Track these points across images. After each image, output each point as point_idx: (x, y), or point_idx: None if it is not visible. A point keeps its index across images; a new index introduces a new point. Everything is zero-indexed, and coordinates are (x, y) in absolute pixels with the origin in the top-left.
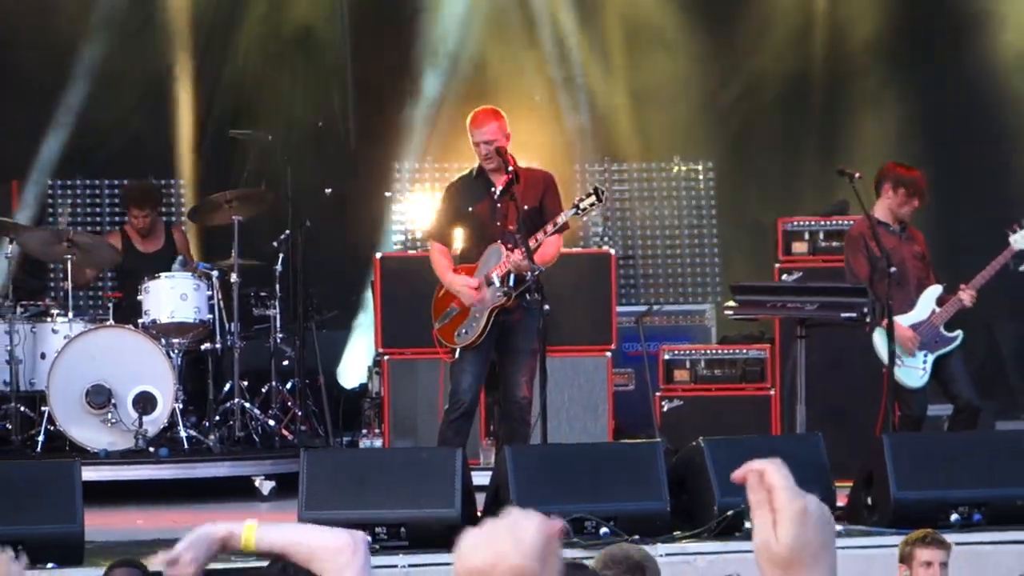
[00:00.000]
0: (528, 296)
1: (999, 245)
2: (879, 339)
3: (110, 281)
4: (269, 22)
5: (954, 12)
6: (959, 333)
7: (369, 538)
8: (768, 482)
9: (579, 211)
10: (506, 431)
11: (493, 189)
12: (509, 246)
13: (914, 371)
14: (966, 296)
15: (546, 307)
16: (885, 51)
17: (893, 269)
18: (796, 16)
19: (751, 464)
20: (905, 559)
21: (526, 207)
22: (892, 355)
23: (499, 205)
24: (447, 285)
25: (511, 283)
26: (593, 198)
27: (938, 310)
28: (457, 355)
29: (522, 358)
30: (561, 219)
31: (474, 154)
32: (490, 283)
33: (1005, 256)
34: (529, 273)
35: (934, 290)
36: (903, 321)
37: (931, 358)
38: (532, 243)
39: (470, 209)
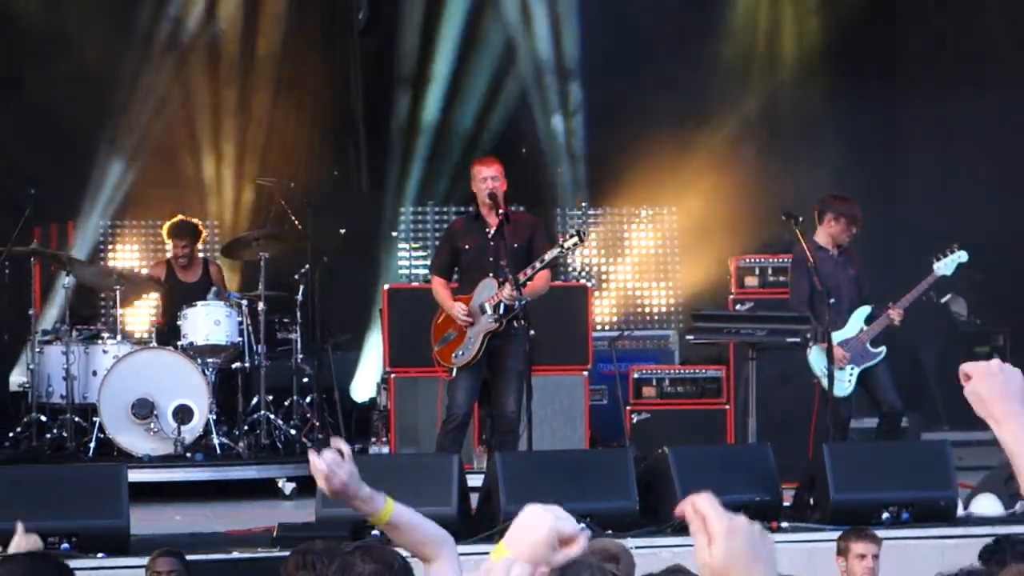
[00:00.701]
0: (516, 323)
1: (925, 271)
2: (813, 356)
3: (154, 308)
4: (294, 90)
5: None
6: (883, 349)
7: (377, 532)
8: (700, 510)
9: (563, 250)
10: (497, 440)
11: (487, 230)
12: (500, 280)
13: (841, 383)
14: (895, 314)
15: (532, 332)
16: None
17: (832, 300)
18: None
19: (687, 499)
20: (842, 552)
21: (515, 246)
22: (831, 372)
23: (492, 243)
24: (447, 311)
25: (502, 311)
26: (576, 239)
27: (866, 328)
28: (454, 374)
29: (511, 377)
30: (547, 256)
31: (468, 200)
32: (483, 312)
33: (928, 281)
34: (517, 303)
35: (863, 311)
36: (834, 338)
37: (857, 371)
38: (522, 277)
39: (467, 247)
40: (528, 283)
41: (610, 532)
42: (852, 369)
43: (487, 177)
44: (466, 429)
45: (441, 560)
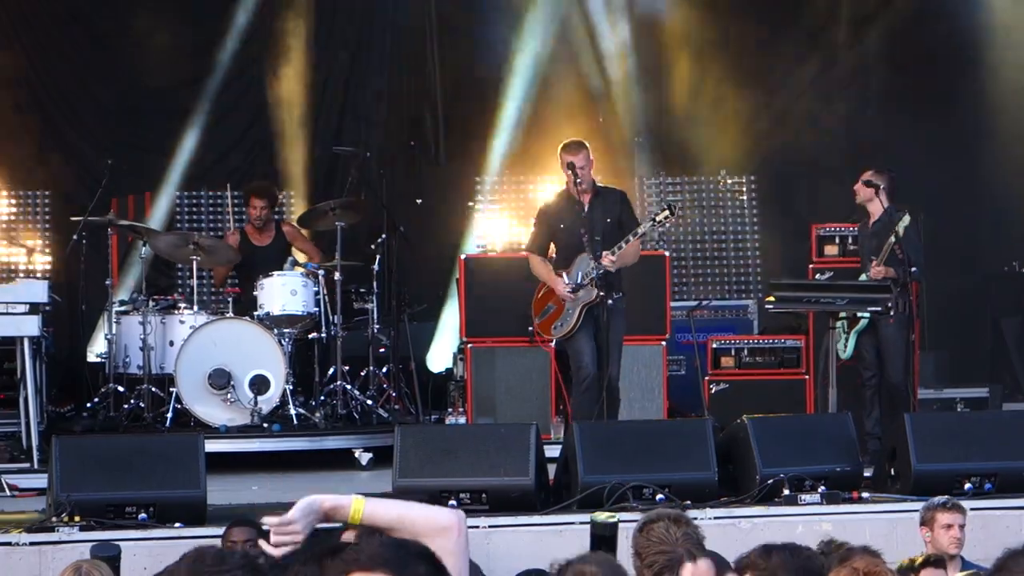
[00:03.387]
0: (615, 295)
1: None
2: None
3: (231, 276)
4: (370, 66)
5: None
6: (864, 315)
7: (455, 502)
8: None
9: (655, 223)
10: (605, 407)
11: (579, 207)
12: (596, 254)
13: (842, 349)
14: (872, 271)
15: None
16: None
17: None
18: (821, 51)
19: None
20: (927, 522)
21: (607, 220)
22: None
23: (585, 220)
24: (551, 285)
25: (598, 282)
26: (667, 212)
27: None
28: (574, 337)
29: (614, 347)
30: (640, 230)
31: (544, 169)
32: (582, 285)
33: (888, 243)
34: (612, 271)
35: (864, 277)
36: None
37: (852, 335)
38: (616, 249)
39: (562, 226)
40: (620, 252)
41: (688, 503)
42: (848, 334)
43: (575, 168)
44: (598, 385)
45: (450, 540)
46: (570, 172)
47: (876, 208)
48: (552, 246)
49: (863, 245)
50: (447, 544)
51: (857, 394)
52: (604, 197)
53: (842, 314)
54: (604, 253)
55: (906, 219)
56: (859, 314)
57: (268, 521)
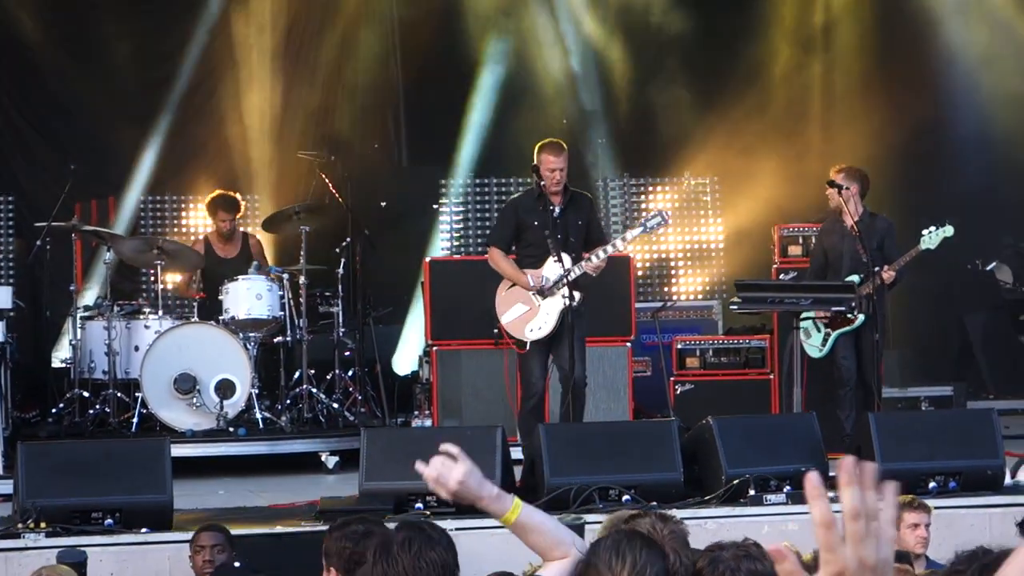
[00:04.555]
0: (580, 296)
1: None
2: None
3: (194, 282)
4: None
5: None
6: (860, 316)
7: (420, 505)
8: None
9: (646, 230)
10: (572, 407)
11: (552, 207)
12: (572, 255)
13: (815, 347)
14: (885, 275)
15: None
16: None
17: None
18: (794, 52)
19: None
20: None
21: (579, 223)
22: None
23: (558, 221)
24: (515, 280)
25: (574, 286)
26: (658, 219)
27: None
28: (527, 348)
29: (579, 344)
30: (630, 235)
31: (509, 171)
32: (558, 287)
33: (911, 253)
34: (593, 274)
35: (852, 279)
36: None
37: (834, 335)
38: (602, 253)
39: (535, 223)
40: (604, 258)
41: (655, 504)
42: (827, 333)
43: (556, 168)
44: (543, 402)
45: (566, 561)
46: (548, 172)
47: (852, 209)
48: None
49: (837, 245)
50: (565, 562)
51: (828, 394)
52: (575, 200)
53: (810, 313)
54: (588, 259)
55: (949, 230)
56: (851, 315)
57: (425, 467)
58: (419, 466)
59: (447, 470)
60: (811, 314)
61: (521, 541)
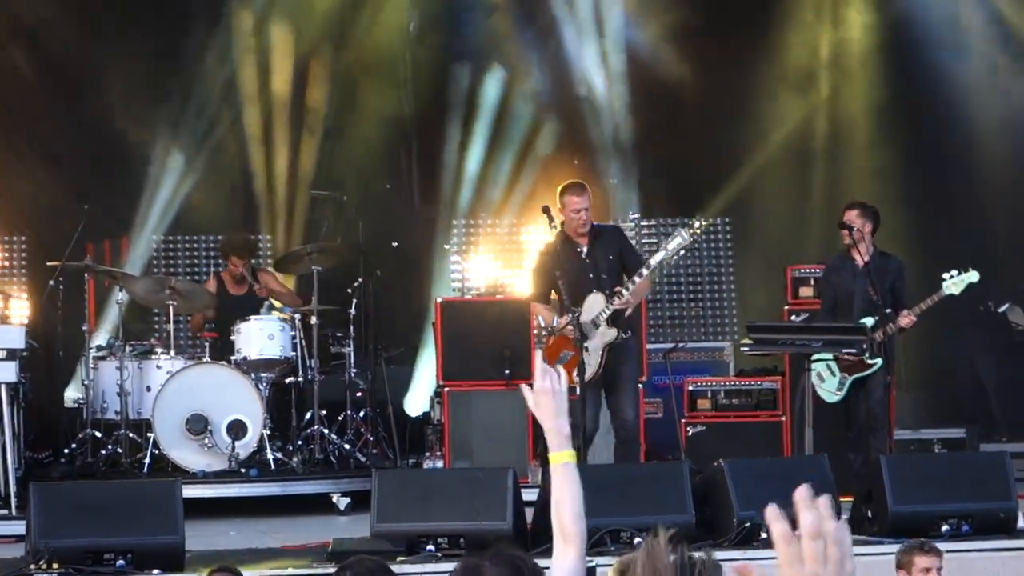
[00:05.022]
0: (625, 332)
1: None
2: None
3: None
4: (345, 102)
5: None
6: (878, 361)
7: (431, 547)
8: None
9: (668, 252)
10: (621, 450)
11: (579, 249)
12: (607, 293)
13: (830, 391)
14: (904, 321)
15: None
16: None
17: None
18: (800, 99)
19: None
20: (903, 566)
21: (610, 258)
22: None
23: (588, 261)
24: (551, 326)
25: (614, 322)
26: (679, 239)
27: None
28: (577, 392)
29: (628, 385)
30: (653, 261)
31: (520, 212)
32: (597, 326)
33: (934, 297)
34: (630, 310)
35: (867, 322)
36: None
37: (849, 380)
38: (630, 285)
39: (563, 271)
40: (633, 289)
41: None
42: (844, 377)
43: (581, 209)
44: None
45: (578, 543)
46: (573, 214)
47: (864, 248)
48: (553, 293)
49: (847, 284)
50: (573, 556)
51: (838, 436)
52: (602, 235)
53: (823, 355)
54: (619, 293)
55: (974, 276)
56: (868, 359)
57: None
58: (540, 366)
59: (559, 386)
60: (826, 357)
61: (554, 491)
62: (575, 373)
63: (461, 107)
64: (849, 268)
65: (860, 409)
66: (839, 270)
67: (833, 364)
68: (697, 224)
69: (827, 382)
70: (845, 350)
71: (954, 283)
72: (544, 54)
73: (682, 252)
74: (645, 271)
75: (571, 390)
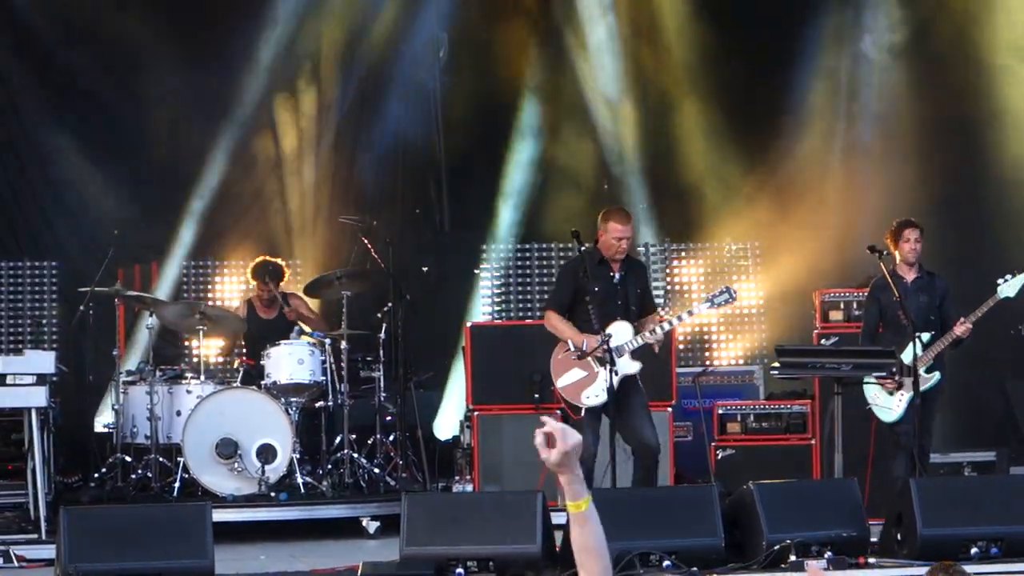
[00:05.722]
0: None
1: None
2: (866, 385)
3: (237, 347)
4: (376, 129)
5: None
6: (936, 375)
7: (462, 570)
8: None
9: (713, 305)
10: (643, 473)
11: (612, 274)
12: (634, 324)
13: (887, 409)
14: (961, 329)
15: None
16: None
17: (918, 332)
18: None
19: None
20: None
21: (638, 291)
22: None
23: (619, 287)
24: (575, 341)
25: (638, 354)
26: (726, 296)
27: (921, 354)
28: (582, 413)
29: (642, 410)
30: (696, 310)
31: (550, 236)
32: (620, 355)
33: (990, 302)
34: (658, 346)
35: (923, 337)
36: None
37: (907, 396)
38: (664, 324)
39: (596, 290)
40: (669, 330)
41: (696, 569)
42: (902, 395)
43: (622, 237)
44: (592, 470)
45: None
46: (615, 241)
47: (909, 265)
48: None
49: (898, 302)
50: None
51: (865, 459)
52: (633, 267)
53: (867, 377)
54: (650, 330)
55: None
56: (924, 373)
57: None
58: (545, 422)
59: (570, 436)
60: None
61: (574, 536)
62: (584, 395)
63: (491, 131)
64: (898, 285)
65: (907, 429)
66: (885, 288)
67: (874, 385)
68: (734, 294)
69: (884, 400)
70: (874, 373)
71: (1009, 285)
72: (566, 77)
73: (722, 308)
74: (686, 316)
75: (576, 410)
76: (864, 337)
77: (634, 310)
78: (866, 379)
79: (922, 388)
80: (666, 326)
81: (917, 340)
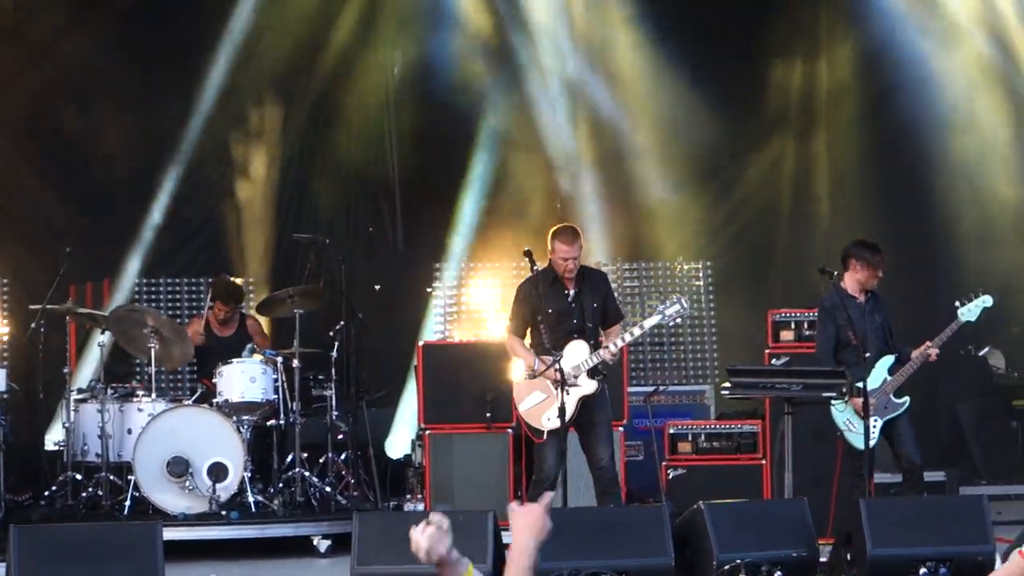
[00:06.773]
0: (602, 383)
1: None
2: (835, 409)
3: (190, 363)
4: (328, 153)
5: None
6: (906, 399)
7: None
8: None
9: (664, 318)
10: (603, 495)
11: (567, 292)
12: (591, 342)
13: (861, 436)
14: (933, 353)
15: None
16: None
17: (868, 354)
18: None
19: None
20: None
21: (595, 305)
22: (867, 427)
23: (573, 305)
24: (527, 364)
25: (595, 373)
26: (678, 307)
27: (890, 379)
28: (545, 437)
29: (603, 430)
30: (648, 324)
31: (502, 255)
32: (577, 375)
33: (952, 326)
34: (611, 361)
35: (887, 360)
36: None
37: (880, 422)
38: (619, 342)
39: (549, 310)
40: (622, 347)
41: None
42: (875, 421)
43: (568, 258)
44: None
45: None
46: (561, 261)
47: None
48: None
49: (857, 322)
50: None
51: (817, 480)
52: (589, 280)
53: (837, 401)
54: (606, 347)
55: (988, 300)
56: (895, 399)
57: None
58: (413, 531)
59: (437, 541)
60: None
61: None
62: (545, 417)
63: (445, 149)
64: (853, 306)
65: (908, 452)
66: (840, 308)
67: (845, 408)
68: (683, 305)
69: (858, 427)
70: (824, 393)
71: (968, 310)
72: (516, 101)
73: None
74: (637, 331)
75: (538, 433)
76: (824, 357)
77: (591, 327)
78: (836, 405)
79: (895, 413)
80: (619, 342)
81: (883, 362)
